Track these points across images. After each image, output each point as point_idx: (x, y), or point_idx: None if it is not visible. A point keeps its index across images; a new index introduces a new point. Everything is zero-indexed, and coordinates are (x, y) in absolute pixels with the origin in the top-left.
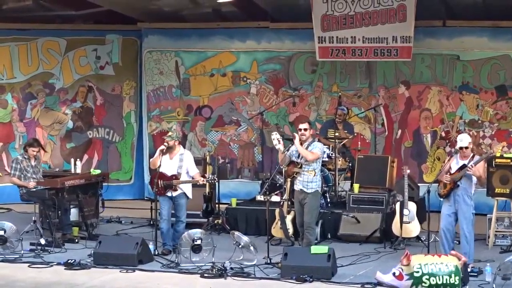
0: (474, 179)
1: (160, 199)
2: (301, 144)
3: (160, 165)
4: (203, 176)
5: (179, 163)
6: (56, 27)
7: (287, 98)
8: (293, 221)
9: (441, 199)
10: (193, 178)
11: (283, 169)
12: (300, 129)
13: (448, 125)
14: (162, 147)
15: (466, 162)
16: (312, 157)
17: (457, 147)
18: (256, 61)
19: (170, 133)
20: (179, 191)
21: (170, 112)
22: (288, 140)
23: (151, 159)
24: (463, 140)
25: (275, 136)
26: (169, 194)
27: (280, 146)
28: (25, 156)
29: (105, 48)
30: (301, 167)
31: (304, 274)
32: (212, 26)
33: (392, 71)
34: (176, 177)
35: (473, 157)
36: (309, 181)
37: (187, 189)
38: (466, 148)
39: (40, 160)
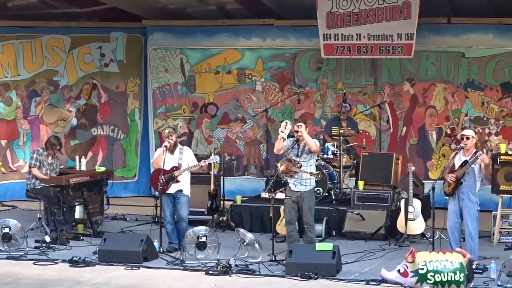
0: (477, 174)
1: (163, 201)
2: (298, 143)
3: (164, 163)
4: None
5: (179, 155)
6: (60, 24)
7: (292, 96)
8: (298, 218)
9: (447, 198)
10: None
11: (279, 167)
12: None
13: (454, 122)
14: (166, 143)
15: (467, 158)
16: (316, 148)
17: (459, 137)
18: (261, 58)
19: (168, 130)
20: (180, 184)
21: (176, 110)
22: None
23: (153, 160)
24: (465, 132)
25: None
26: (171, 190)
27: (283, 135)
28: (45, 152)
29: (109, 45)
30: (300, 167)
31: (309, 271)
32: (217, 23)
33: (397, 68)
34: (176, 168)
35: (475, 153)
36: (305, 178)
37: (186, 185)
38: (468, 138)
39: (57, 160)
